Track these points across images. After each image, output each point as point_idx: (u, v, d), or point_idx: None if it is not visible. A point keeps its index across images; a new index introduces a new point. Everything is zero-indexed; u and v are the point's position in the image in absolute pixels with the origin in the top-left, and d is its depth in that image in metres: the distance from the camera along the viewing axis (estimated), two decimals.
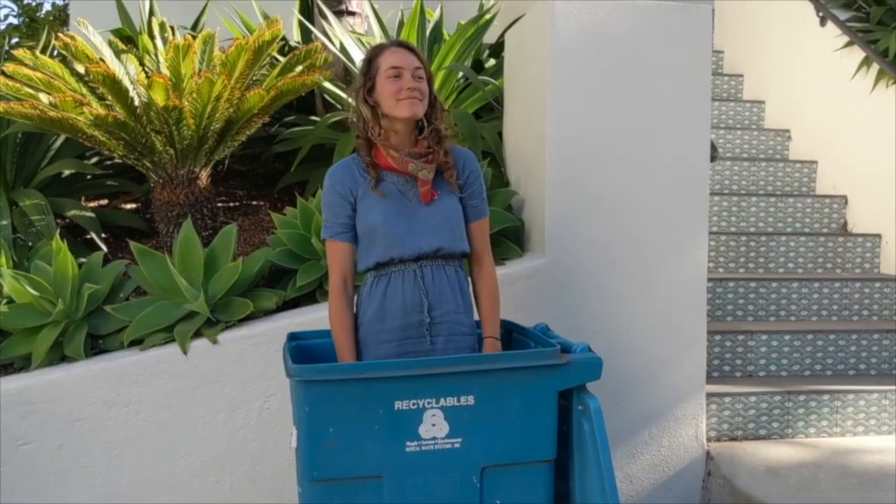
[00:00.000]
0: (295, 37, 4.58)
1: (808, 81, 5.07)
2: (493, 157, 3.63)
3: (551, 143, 3.06)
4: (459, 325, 2.26)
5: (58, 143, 3.83)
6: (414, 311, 2.22)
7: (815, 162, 4.91)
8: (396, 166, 2.22)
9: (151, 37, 3.66)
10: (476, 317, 2.36)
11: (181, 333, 2.87)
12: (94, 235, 3.51)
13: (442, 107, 2.32)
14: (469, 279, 2.35)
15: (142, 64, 3.43)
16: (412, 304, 2.22)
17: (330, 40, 4.05)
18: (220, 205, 3.76)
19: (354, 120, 2.30)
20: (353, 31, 4.34)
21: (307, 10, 4.62)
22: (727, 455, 3.20)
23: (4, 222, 3.35)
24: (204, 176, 3.48)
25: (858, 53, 4.62)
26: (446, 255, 2.25)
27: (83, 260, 3.14)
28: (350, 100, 2.32)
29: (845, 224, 4.64)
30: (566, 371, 2.07)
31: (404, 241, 2.20)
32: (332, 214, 2.27)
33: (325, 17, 4.23)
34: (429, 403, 2.01)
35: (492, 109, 3.88)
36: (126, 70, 3.29)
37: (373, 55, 2.27)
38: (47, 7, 10.05)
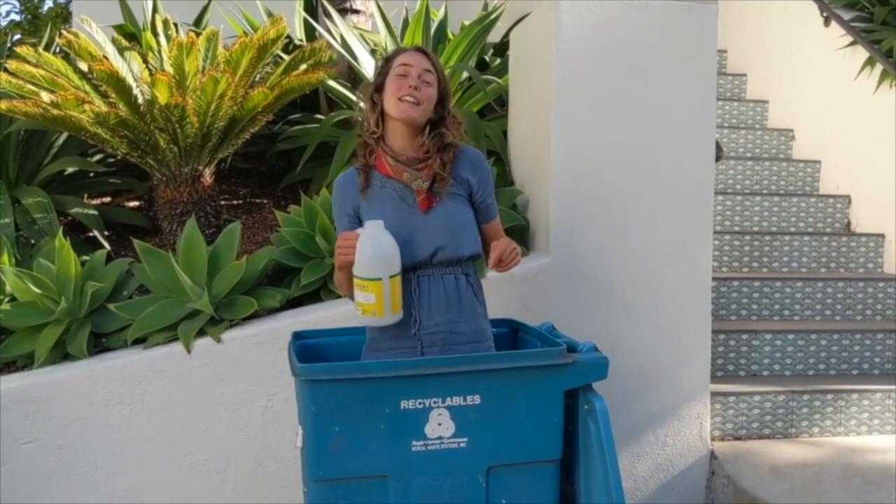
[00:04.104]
0: (299, 35, 4.56)
1: (812, 81, 5.07)
2: (498, 155, 3.63)
3: (556, 142, 3.05)
4: (458, 333, 2.23)
5: (60, 141, 3.82)
6: (407, 324, 2.20)
7: (818, 161, 4.90)
8: (392, 173, 2.22)
9: (155, 34, 3.65)
10: (485, 323, 2.32)
11: (185, 332, 2.86)
12: (96, 233, 3.50)
13: (455, 119, 2.28)
14: (474, 287, 2.31)
15: (145, 61, 3.42)
16: (406, 317, 2.20)
17: (334, 38, 4.04)
18: (223, 203, 3.75)
19: (360, 119, 2.30)
20: (358, 29, 4.34)
21: (311, 7, 4.61)
22: (731, 454, 3.20)
23: (7, 220, 3.34)
24: (207, 174, 3.47)
25: (862, 53, 4.62)
26: (445, 261, 2.22)
27: (86, 258, 3.14)
28: (360, 102, 2.31)
29: (849, 224, 4.64)
30: (572, 371, 2.06)
31: (402, 250, 2.17)
32: (338, 220, 2.33)
33: (329, 16, 4.22)
34: (435, 403, 2.00)
35: (497, 108, 3.88)
36: (129, 68, 3.28)
37: (391, 56, 2.28)
38: (50, 4, 10.02)
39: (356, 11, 4.47)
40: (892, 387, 3.46)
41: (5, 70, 3.22)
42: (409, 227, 2.20)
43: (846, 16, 4.81)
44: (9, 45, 4.61)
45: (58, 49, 3.99)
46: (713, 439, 3.30)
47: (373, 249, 2.08)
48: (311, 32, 4.47)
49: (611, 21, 3.07)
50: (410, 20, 4.11)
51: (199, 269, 2.98)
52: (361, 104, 2.29)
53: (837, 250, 4.39)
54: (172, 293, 2.96)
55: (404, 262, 2.18)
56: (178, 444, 2.89)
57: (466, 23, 4.09)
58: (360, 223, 2.22)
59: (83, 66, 3.37)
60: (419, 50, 2.27)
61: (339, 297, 2.97)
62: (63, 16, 9.24)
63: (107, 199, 3.98)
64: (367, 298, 2.09)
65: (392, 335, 2.21)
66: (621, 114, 3.09)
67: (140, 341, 2.91)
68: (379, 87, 2.24)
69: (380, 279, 2.07)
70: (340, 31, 4.07)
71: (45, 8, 9.98)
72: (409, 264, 2.19)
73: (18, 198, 3.50)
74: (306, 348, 2.34)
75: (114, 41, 3.47)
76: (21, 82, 3.19)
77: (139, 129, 3.21)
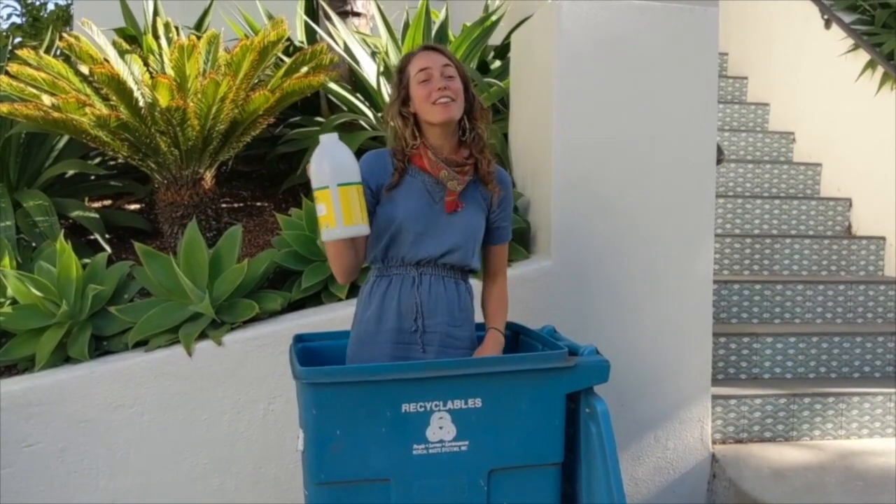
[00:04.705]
0: (299, 37, 4.57)
1: (813, 84, 5.07)
2: (499, 158, 3.62)
3: (557, 145, 3.05)
4: (453, 338, 2.23)
5: (61, 144, 3.82)
6: (407, 317, 2.20)
7: (819, 164, 4.90)
8: (430, 168, 2.20)
9: (156, 37, 3.65)
10: (474, 332, 2.31)
11: (186, 335, 2.86)
12: (97, 236, 3.50)
13: (481, 105, 2.27)
14: (471, 294, 2.32)
15: (146, 64, 3.43)
16: (406, 310, 2.20)
17: (335, 41, 4.04)
18: (224, 206, 3.75)
19: (389, 136, 2.28)
20: (359, 32, 4.34)
21: (312, 10, 4.62)
22: (732, 457, 3.20)
23: (8, 223, 3.34)
24: (208, 177, 3.47)
25: (863, 56, 4.62)
26: (450, 265, 2.23)
27: (87, 261, 3.13)
28: (387, 123, 2.27)
29: (850, 226, 4.64)
30: (574, 374, 2.06)
31: (414, 242, 2.18)
32: None
33: (329, 19, 4.23)
34: (436, 406, 2.00)
35: (497, 111, 3.88)
36: (130, 70, 3.29)
37: (403, 65, 2.25)
38: (51, 6, 10.03)
39: (357, 14, 4.47)
40: (893, 390, 3.45)
41: (6, 73, 3.23)
42: (428, 221, 2.20)
43: (847, 18, 4.82)
44: (10, 47, 4.61)
45: (59, 52, 4.00)
46: (714, 442, 3.29)
47: (320, 158, 2.03)
48: (311, 35, 4.47)
49: (612, 23, 3.07)
50: (411, 22, 4.11)
51: (200, 271, 2.98)
52: (390, 123, 2.25)
53: (838, 253, 4.39)
54: (173, 296, 2.96)
55: (411, 256, 2.19)
56: (179, 446, 2.89)
57: (468, 24, 4.09)
58: (374, 203, 2.20)
59: (84, 69, 3.37)
60: (428, 48, 2.26)
61: (340, 299, 2.97)
62: (64, 18, 9.25)
63: (108, 202, 3.98)
64: (321, 210, 2.03)
65: (395, 327, 2.20)
66: (623, 116, 3.09)
67: (141, 344, 2.91)
68: (405, 100, 2.22)
69: (326, 187, 2.00)
70: (341, 34, 4.08)
71: (47, 11, 9.99)
72: (414, 258, 2.20)
73: (19, 201, 3.50)
74: (307, 351, 2.33)
75: (115, 44, 3.48)
76: (22, 85, 3.20)
77: (140, 131, 3.21)
